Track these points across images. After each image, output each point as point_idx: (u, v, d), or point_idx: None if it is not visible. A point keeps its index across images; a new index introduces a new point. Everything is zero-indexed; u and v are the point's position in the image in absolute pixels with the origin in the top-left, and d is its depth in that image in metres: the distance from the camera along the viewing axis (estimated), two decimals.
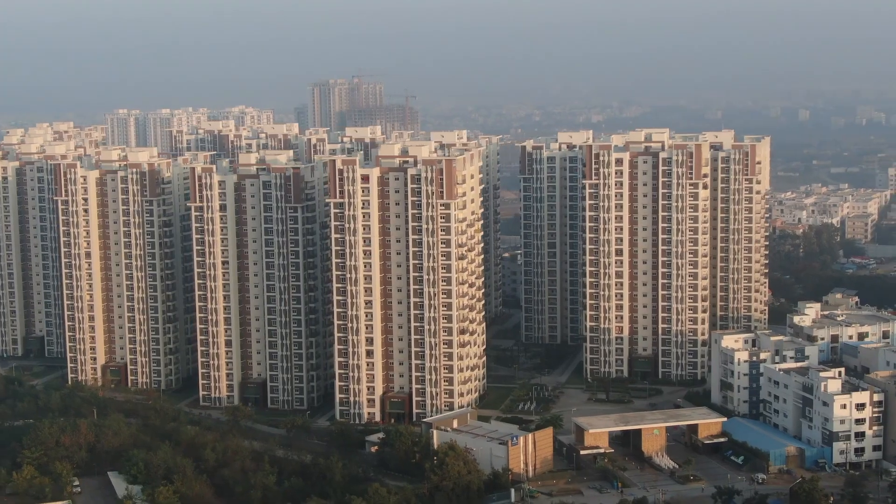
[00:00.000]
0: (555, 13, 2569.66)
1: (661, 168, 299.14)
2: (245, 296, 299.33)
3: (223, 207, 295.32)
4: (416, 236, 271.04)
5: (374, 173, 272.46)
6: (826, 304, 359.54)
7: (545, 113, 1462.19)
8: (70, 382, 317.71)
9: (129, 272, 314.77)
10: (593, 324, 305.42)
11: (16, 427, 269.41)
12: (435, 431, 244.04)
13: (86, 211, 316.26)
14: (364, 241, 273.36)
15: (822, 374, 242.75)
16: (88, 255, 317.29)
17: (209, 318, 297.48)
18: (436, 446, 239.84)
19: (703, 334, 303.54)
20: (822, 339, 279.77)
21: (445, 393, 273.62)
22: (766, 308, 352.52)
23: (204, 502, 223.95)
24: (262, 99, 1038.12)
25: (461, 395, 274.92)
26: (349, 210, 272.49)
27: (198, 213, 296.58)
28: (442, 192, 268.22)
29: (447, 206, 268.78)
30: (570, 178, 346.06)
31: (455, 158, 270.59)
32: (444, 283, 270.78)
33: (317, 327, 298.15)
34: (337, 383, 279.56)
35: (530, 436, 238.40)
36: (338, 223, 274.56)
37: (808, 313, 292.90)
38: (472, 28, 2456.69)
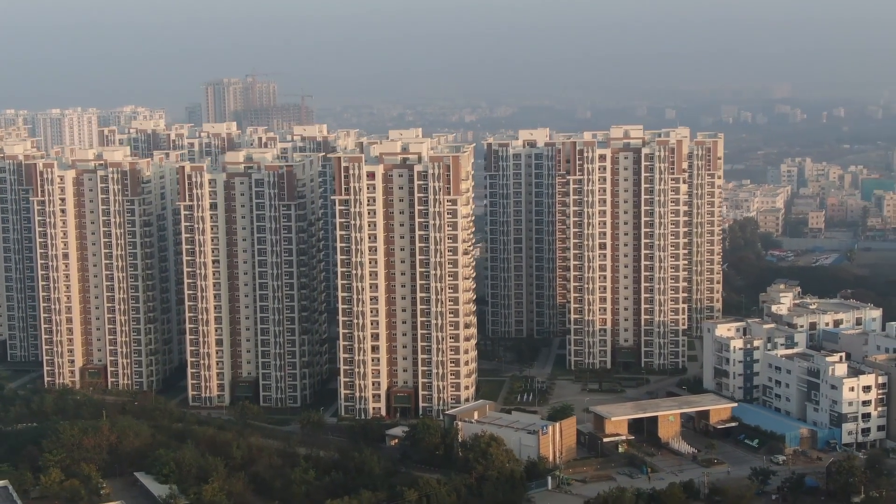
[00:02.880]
0: (416, 13, 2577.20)
1: (643, 163, 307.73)
2: (234, 294, 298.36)
3: (213, 206, 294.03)
4: (422, 232, 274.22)
5: (379, 170, 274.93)
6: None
7: (417, 113, 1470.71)
8: (46, 385, 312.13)
9: (108, 272, 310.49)
10: (577, 316, 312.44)
11: (19, 431, 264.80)
12: (461, 423, 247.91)
13: (63, 211, 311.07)
14: (370, 238, 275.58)
15: (829, 360, 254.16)
16: (66, 255, 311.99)
17: (199, 317, 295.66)
18: (460, 438, 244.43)
19: (683, 324, 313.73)
20: (802, 326, 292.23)
21: (452, 386, 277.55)
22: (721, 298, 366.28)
23: (246, 499, 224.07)
24: (147, 98, 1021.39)
25: (466, 387, 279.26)
26: (355, 207, 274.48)
27: (187, 212, 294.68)
28: (448, 187, 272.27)
29: (454, 202, 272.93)
30: (536, 175, 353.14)
31: (461, 155, 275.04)
32: (451, 278, 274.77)
33: (308, 325, 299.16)
34: (342, 379, 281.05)
35: (557, 425, 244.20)
36: (343, 220, 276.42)
37: (784, 302, 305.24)
38: (336, 28, 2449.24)
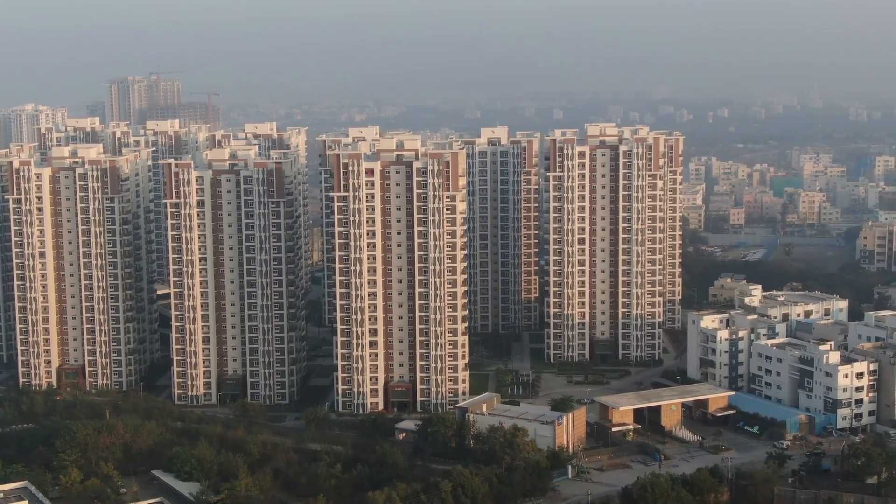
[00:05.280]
0: (298, 21, 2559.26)
1: (621, 160, 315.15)
2: (220, 292, 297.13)
3: (200, 203, 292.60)
4: (421, 228, 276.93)
5: (377, 167, 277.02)
6: (722, 288, 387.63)
7: (304, 112, 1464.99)
8: (22, 386, 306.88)
9: (87, 271, 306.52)
10: (556, 310, 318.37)
11: (23, 431, 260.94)
12: (475, 416, 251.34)
13: (39, 210, 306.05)
14: (368, 234, 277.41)
15: (822, 348, 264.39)
16: (42, 255, 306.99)
17: (186, 315, 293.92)
18: (473, 430, 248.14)
19: (659, 317, 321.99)
20: (776, 317, 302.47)
21: (450, 380, 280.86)
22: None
23: (274, 495, 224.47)
24: (46, 97, 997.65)
25: (463, 381, 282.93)
26: (354, 203, 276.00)
27: (174, 210, 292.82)
28: (448, 184, 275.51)
29: (452, 198, 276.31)
30: (502, 173, 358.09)
31: (458, 152, 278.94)
32: (450, 273, 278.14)
33: (295, 322, 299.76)
34: (339, 374, 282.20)
35: (571, 415, 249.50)
36: (341, 216, 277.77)
37: (755, 294, 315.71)
38: (217, 25, 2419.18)
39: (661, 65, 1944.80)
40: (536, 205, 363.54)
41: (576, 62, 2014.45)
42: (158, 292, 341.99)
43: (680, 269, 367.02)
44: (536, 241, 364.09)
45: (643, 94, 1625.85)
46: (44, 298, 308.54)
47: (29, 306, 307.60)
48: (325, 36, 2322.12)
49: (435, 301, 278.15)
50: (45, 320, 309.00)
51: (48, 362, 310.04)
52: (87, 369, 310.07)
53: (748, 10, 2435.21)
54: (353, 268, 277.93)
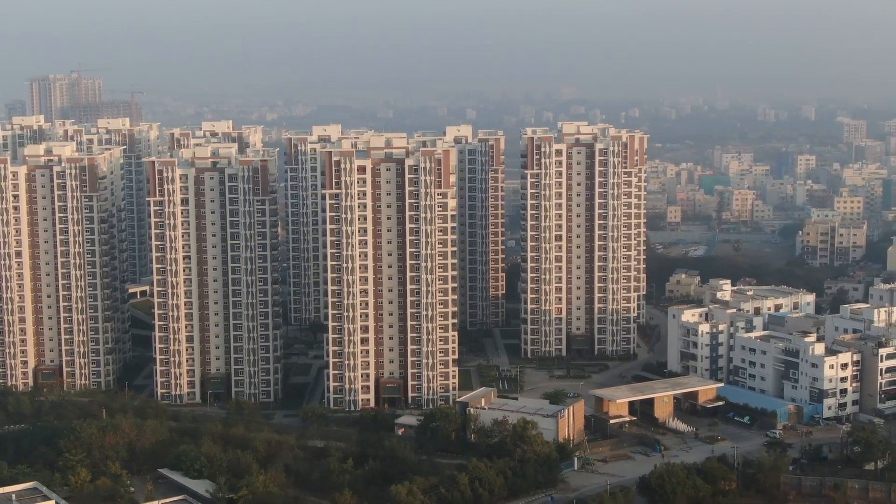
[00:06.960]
0: (207, 12, 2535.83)
1: (597, 158, 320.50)
2: (204, 290, 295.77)
3: (185, 201, 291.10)
4: (412, 225, 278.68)
5: (368, 164, 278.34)
6: (678, 284, 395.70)
7: (214, 111, 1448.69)
8: None
9: (65, 270, 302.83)
10: (534, 306, 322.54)
11: (21, 432, 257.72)
12: (477, 410, 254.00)
13: (16, 209, 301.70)
14: (360, 231, 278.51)
15: (807, 340, 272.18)
16: (19, 254, 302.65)
17: (170, 314, 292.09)
18: (475, 425, 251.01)
19: (634, 312, 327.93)
20: (749, 311, 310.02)
21: (441, 376, 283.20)
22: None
23: (288, 492, 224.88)
24: None
25: (453, 377, 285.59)
26: (346, 201, 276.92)
27: (157, 208, 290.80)
28: (440, 181, 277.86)
29: (444, 195, 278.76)
30: (469, 170, 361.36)
31: (450, 150, 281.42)
32: (441, 270, 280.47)
33: (279, 320, 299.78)
34: (330, 371, 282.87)
35: (571, 408, 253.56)
36: (333, 214, 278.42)
37: (726, 289, 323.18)
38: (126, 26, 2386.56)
39: (564, 67, 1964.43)
40: (504, 202, 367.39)
41: (480, 65, 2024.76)
42: (130, 291, 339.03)
43: (644, 265, 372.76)
44: (503, 237, 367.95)
45: (552, 95, 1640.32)
46: (20, 298, 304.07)
47: (5, 306, 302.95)
48: (225, 43, 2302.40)
49: (426, 297, 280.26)
50: (22, 320, 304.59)
51: (24, 363, 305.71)
52: (65, 370, 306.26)
53: (641, 21, 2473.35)
54: (344, 265, 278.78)
